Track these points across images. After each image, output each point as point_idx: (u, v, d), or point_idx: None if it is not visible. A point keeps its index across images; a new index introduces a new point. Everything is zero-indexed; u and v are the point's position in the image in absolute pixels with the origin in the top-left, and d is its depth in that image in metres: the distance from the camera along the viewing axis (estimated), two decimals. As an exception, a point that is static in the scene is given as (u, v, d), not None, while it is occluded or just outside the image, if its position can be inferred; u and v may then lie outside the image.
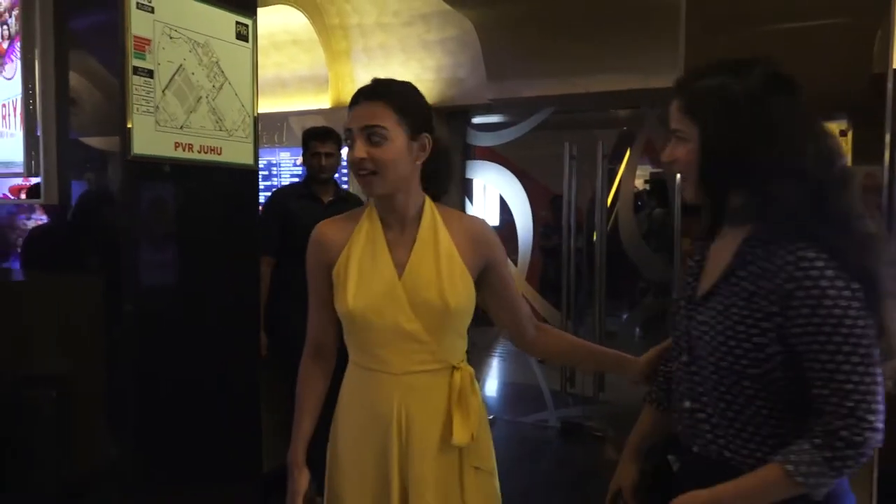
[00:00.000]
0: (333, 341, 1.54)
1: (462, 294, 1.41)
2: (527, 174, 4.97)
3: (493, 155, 5.16)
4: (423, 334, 1.39)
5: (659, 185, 4.81)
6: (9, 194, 2.54)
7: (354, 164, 1.37)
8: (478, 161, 5.17)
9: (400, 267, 1.41)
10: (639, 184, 5.03)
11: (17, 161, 2.39)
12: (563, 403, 4.72)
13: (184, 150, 2.40)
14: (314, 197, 3.17)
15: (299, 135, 5.37)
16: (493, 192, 5.49)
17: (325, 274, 1.47)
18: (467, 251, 1.44)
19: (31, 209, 2.51)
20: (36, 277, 2.51)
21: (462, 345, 1.49)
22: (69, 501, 2.38)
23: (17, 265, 2.56)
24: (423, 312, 1.39)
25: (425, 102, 1.48)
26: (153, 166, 2.34)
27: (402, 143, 1.38)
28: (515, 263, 4.83)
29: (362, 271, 1.42)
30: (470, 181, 5.23)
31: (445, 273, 1.39)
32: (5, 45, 2.44)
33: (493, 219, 5.65)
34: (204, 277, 2.49)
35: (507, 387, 5.47)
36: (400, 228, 1.45)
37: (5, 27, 2.43)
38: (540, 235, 4.89)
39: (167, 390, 2.36)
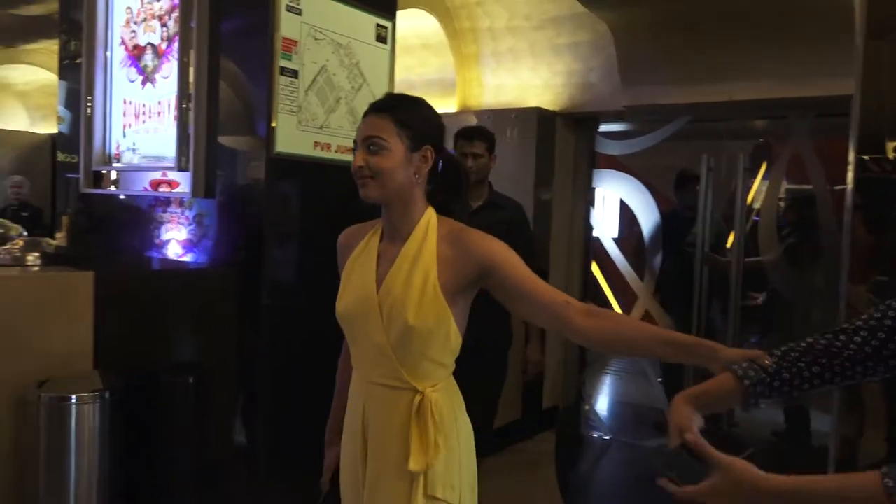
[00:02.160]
0: None
1: (427, 315, 1.41)
2: (654, 185, 4.80)
3: (618, 164, 5.03)
4: (388, 349, 1.45)
5: (804, 203, 4.50)
6: (149, 188, 2.72)
7: (354, 171, 1.47)
8: (604, 170, 5.05)
9: (380, 280, 1.48)
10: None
11: (168, 156, 2.56)
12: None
13: (322, 149, 2.49)
14: None
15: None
16: (616, 202, 5.35)
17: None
18: (454, 267, 1.44)
19: (168, 202, 2.67)
20: (178, 268, 2.66)
21: (432, 370, 1.48)
22: (205, 483, 2.50)
23: (157, 255, 2.73)
24: (390, 329, 1.44)
25: (432, 117, 1.55)
26: (293, 164, 2.43)
27: (400, 154, 1.46)
28: (641, 278, 4.67)
29: (352, 278, 1.53)
30: (594, 190, 5.12)
31: (415, 291, 1.42)
32: (164, 45, 2.62)
33: (614, 230, 5.51)
34: (334, 274, 2.56)
35: (625, 407, 5.30)
36: (392, 241, 1.51)
37: (165, 29, 2.61)
38: (669, 251, 4.69)
39: (295, 381, 2.44)
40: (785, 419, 4.35)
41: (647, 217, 4.69)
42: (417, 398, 1.45)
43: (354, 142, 1.50)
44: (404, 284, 1.43)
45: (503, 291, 1.45)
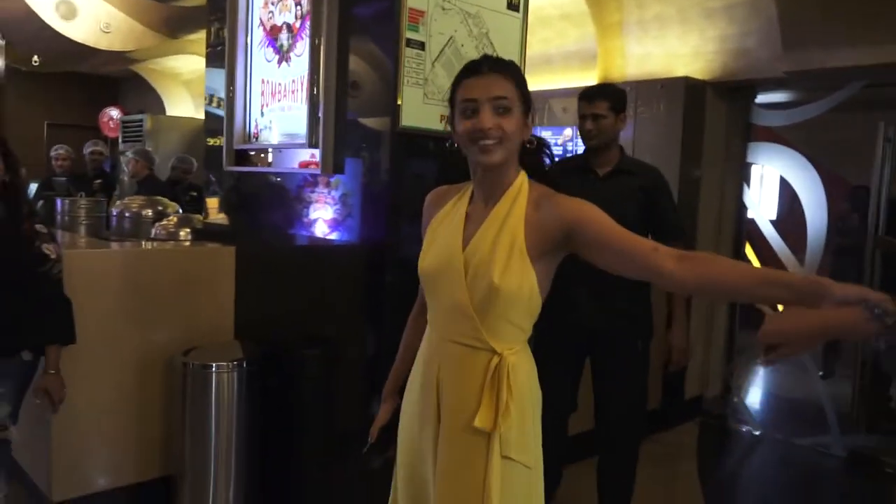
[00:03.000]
0: None
1: (513, 277, 1.42)
2: (819, 160, 4.33)
3: (778, 137, 4.58)
4: (469, 309, 1.45)
5: None
6: (297, 167, 2.78)
7: (481, 132, 1.43)
8: (761, 143, 4.63)
9: (467, 240, 1.48)
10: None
11: (302, 133, 2.61)
12: (853, 429, 4.07)
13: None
14: (587, 169, 2.68)
15: (560, 116, 5.29)
16: (774, 179, 4.90)
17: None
18: (540, 230, 1.44)
19: (316, 183, 2.70)
20: (312, 244, 2.72)
21: (511, 332, 1.48)
22: (334, 454, 2.55)
23: (303, 233, 2.80)
24: (473, 288, 1.44)
25: None
26: (419, 140, 2.39)
27: (519, 117, 1.47)
28: (802, 263, 4.25)
29: (438, 237, 1.55)
30: (749, 166, 4.71)
31: (501, 253, 1.42)
32: (298, 24, 2.66)
33: (773, 210, 5.06)
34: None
35: (780, 401, 4.88)
36: (484, 203, 1.51)
37: (299, 7, 2.65)
38: (836, 232, 4.23)
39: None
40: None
41: (812, 195, 4.25)
42: (495, 360, 1.45)
43: (469, 101, 1.45)
44: (491, 245, 1.44)
45: (588, 248, 1.42)
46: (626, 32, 4.74)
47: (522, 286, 1.43)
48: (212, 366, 2.60)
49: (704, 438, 4.27)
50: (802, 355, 1.25)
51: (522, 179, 1.51)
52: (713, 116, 4.52)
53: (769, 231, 4.47)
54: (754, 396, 4.95)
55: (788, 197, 4.58)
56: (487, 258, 1.43)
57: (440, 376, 1.51)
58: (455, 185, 1.62)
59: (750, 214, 4.67)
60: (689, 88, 4.34)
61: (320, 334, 2.63)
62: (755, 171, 4.78)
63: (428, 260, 1.54)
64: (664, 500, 3.48)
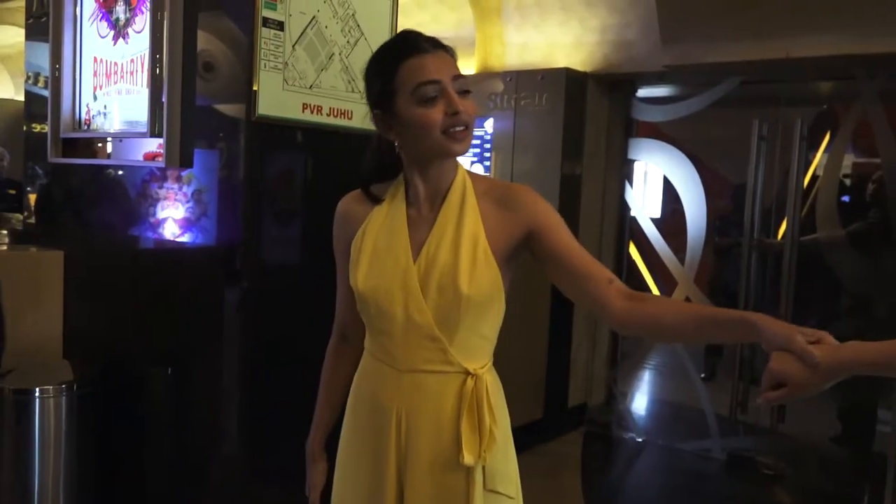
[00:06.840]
0: (362, 325, 1.51)
1: (482, 282, 1.34)
2: (698, 157, 4.64)
3: (660, 133, 4.87)
4: (433, 328, 1.36)
5: (866, 179, 4.32)
6: (140, 160, 2.66)
7: (457, 118, 1.32)
8: (642, 139, 4.90)
9: (417, 248, 1.39)
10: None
11: (143, 121, 2.49)
12: (732, 432, 4.39)
13: (312, 112, 2.40)
14: None
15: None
16: (658, 176, 5.20)
17: (348, 250, 1.47)
18: (499, 226, 1.38)
19: (164, 178, 2.60)
20: (157, 248, 2.61)
21: (482, 347, 1.42)
22: (186, 482, 2.46)
23: (149, 235, 2.67)
24: (435, 302, 1.36)
25: None
26: (279, 131, 2.35)
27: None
28: (682, 262, 4.53)
29: (377, 250, 1.42)
30: (631, 163, 4.97)
31: (465, 256, 1.35)
32: (137, -5, 2.55)
33: (656, 209, 5.36)
34: (327, 253, 2.48)
35: (662, 406, 5.18)
36: (428, 204, 1.42)
37: (138, -24, 2.53)
38: (714, 230, 4.55)
39: (281, 370, 2.38)
40: (840, 419, 4.21)
41: (691, 194, 4.54)
42: (470, 382, 1.38)
43: (430, 83, 1.31)
44: (451, 249, 1.36)
45: (544, 258, 1.38)
46: (506, 19, 4.87)
47: (493, 293, 1.37)
48: (34, 391, 2.43)
49: (588, 448, 4.47)
50: (805, 397, 1.20)
51: (463, 171, 1.43)
52: (594, 110, 4.74)
53: (651, 230, 4.74)
54: (638, 403, 5.23)
55: (669, 195, 4.87)
56: (450, 266, 1.35)
57: (400, 413, 1.40)
58: (366, 189, 1.48)
59: (633, 213, 4.93)
60: (570, 80, 4.52)
61: (167, 350, 2.52)
62: (637, 168, 5.05)
63: (369, 279, 1.40)
64: (548, 515, 3.61)
